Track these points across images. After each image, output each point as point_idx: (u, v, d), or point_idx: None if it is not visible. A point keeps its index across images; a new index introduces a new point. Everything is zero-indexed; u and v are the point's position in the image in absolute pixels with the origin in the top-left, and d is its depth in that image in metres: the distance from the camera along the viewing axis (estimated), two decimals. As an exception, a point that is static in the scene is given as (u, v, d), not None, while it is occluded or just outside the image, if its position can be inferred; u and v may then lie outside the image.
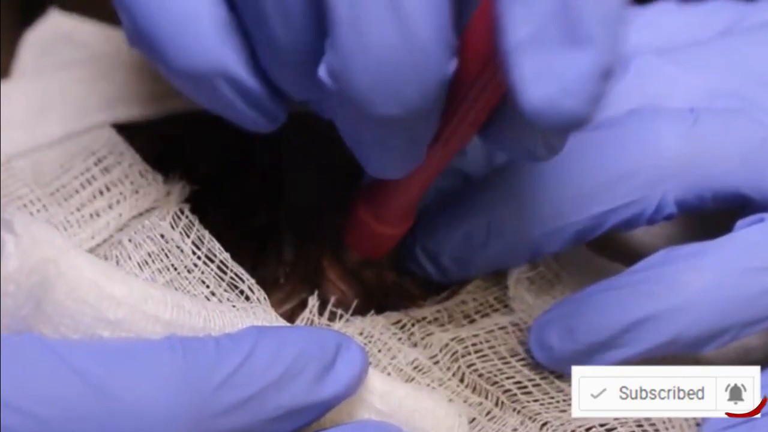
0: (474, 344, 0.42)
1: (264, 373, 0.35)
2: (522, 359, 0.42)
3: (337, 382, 0.36)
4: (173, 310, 0.36)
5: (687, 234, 0.48)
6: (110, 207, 0.43)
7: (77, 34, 0.50)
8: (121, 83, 0.48)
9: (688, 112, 0.43)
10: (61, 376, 0.32)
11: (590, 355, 0.41)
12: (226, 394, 0.34)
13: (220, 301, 0.40)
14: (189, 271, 0.41)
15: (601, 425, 0.41)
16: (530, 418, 0.41)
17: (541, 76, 0.30)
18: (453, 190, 0.44)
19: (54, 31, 0.49)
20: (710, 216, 0.45)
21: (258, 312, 0.38)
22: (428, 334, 0.42)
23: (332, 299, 0.42)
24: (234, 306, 0.39)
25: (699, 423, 0.42)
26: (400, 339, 0.42)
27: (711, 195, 0.42)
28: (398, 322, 0.42)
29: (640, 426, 0.41)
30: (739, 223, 0.42)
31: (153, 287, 0.35)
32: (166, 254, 0.41)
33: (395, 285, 0.44)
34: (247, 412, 0.34)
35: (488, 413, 0.41)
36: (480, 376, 0.42)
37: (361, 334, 0.41)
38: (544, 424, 0.41)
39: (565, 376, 0.42)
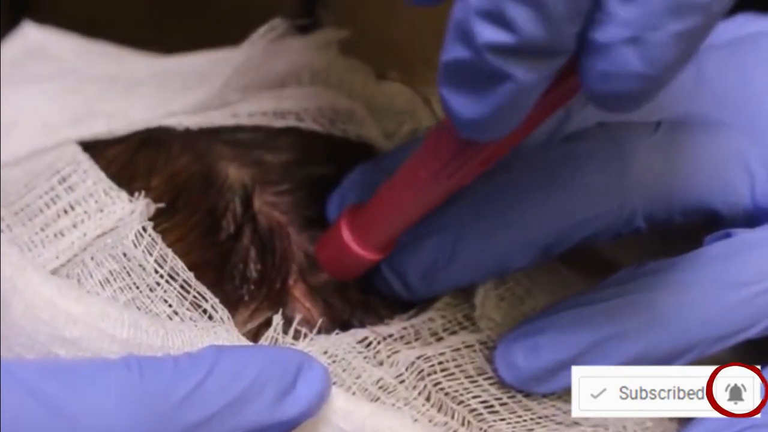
0: (440, 362, 0.42)
1: (223, 392, 0.35)
2: (489, 378, 0.43)
3: (299, 402, 0.37)
4: (130, 329, 0.36)
5: (664, 246, 0.48)
6: (74, 226, 0.43)
7: (49, 47, 0.51)
8: (88, 99, 0.48)
9: (655, 126, 0.43)
10: (16, 397, 0.33)
11: (556, 373, 0.41)
12: (184, 414, 0.34)
13: (182, 320, 0.40)
14: (151, 290, 0.41)
15: None
16: None
17: None
18: None
19: (27, 44, 0.50)
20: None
21: (219, 331, 0.39)
22: (394, 352, 0.42)
23: (297, 318, 0.42)
24: (196, 325, 0.39)
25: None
26: (365, 357, 0.42)
27: (679, 209, 0.43)
28: (364, 339, 0.42)
29: None
30: (707, 238, 0.43)
31: (110, 306, 0.36)
32: (128, 272, 0.41)
33: (361, 304, 0.45)
34: None
35: None
36: (446, 395, 0.42)
37: (325, 353, 0.41)
38: None
39: (532, 395, 0.43)
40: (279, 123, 0.48)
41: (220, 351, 0.36)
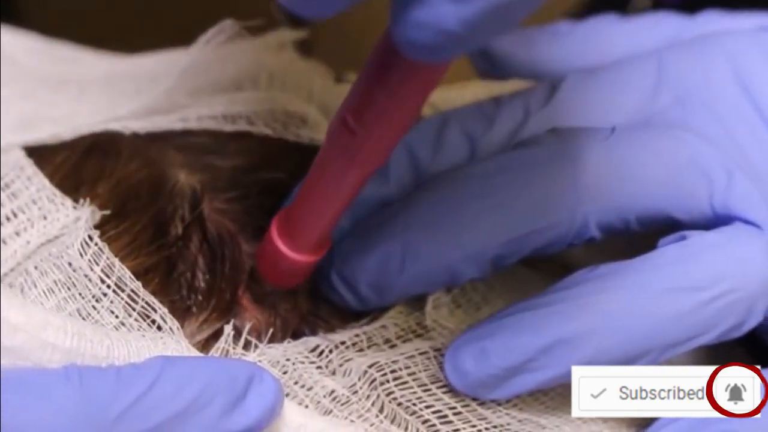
0: (393, 371, 0.43)
1: (167, 404, 0.35)
2: (443, 386, 0.43)
3: (248, 415, 0.37)
4: (73, 338, 0.36)
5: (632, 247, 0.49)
6: (17, 234, 0.43)
7: (5, 47, 0.50)
8: (36, 103, 0.48)
9: (609, 132, 0.43)
10: None
11: (506, 379, 0.41)
12: (126, 426, 0.34)
13: (129, 331, 0.40)
14: (97, 301, 0.41)
15: None
16: None
17: None
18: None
19: None
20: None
21: (168, 342, 0.39)
22: (346, 360, 0.43)
23: (247, 328, 0.42)
24: (143, 335, 0.39)
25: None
26: (318, 367, 0.42)
27: (635, 217, 0.43)
28: (315, 348, 0.42)
29: None
30: (661, 241, 0.43)
31: (52, 315, 0.36)
32: (73, 283, 0.41)
33: (312, 312, 0.45)
34: None
35: None
36: (399, 405, 0.42)
37: (277, 363, 0.41)
38: None
39: (487, 403, 0.43)
40: (229, 127, 0.48)
41: (166, 361, 0.36)
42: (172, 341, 0.39)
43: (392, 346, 0.44)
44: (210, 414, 0.36)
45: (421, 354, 0.43)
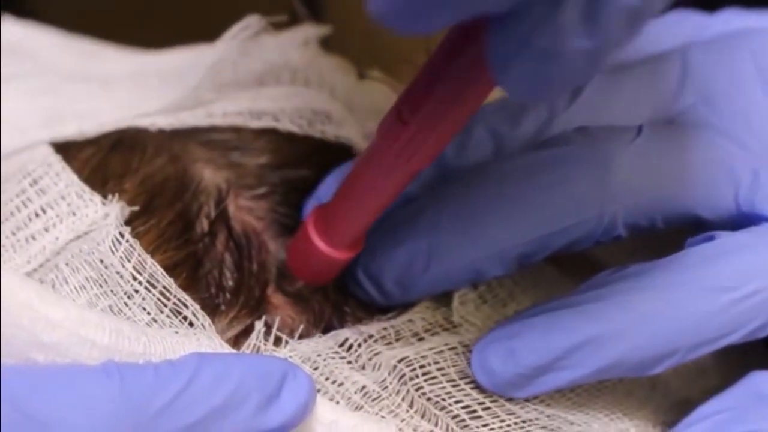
0: (422, 366, 0.43)
1: (204, 400, 0.35)
2: (471, 381, 0.43)
3: (283, 412, 0.37)
4: (111, 335, 0.36)
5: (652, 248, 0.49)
6: (46, 230, 0.44)
7: (28, 42, 0.51)
8: (61, 99, 0.49)
9: (637, 132, 0.44)
10: None
11: (534, 378, 0.42)
12: (165, 423, 0.35)
13: (162, 328, 0.40)
14: (129, 297, 0.41)
15: None
16: None
17: None
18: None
19: (6, 39, 0.50)
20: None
21: (202, 338, 0.39)
22: (375, 354, 0.43)
23: (276, 324, 0.43)
24: (177, 332, 0.40)
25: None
26: (348, 362, 0.43)
27: (662, 217, 0.43)
28: (345, 342, 0.43)
29: None
30: (689, 241, 0.43)
31: (90, 311, 0.36)
32: (105, 279, 0.41)
33: (340, 307, 0.45)
34: None
35: None
36: (428, 400, 0.43)
37: (308, 359, 0.42)
38: None
39: (516, 399, 0.43)
40: (255, 123, 0.48)
41: (202, 358, 0.36)
42: (205, 337, 0.39)
43: (420, 340, 0.44)
44: (245, 411, 0.36)
45: (450, 349, 0.44)
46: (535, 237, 0.43)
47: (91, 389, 0.34)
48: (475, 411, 0.43)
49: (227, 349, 0.40)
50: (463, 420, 0.42)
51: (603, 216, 0.43)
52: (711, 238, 0.43)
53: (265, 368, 0.37)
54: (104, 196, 0.44)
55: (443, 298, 0.46)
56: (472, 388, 0.43)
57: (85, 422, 0.33)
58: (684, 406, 0.45)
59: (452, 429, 0.42)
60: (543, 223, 0.43)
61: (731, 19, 0.50)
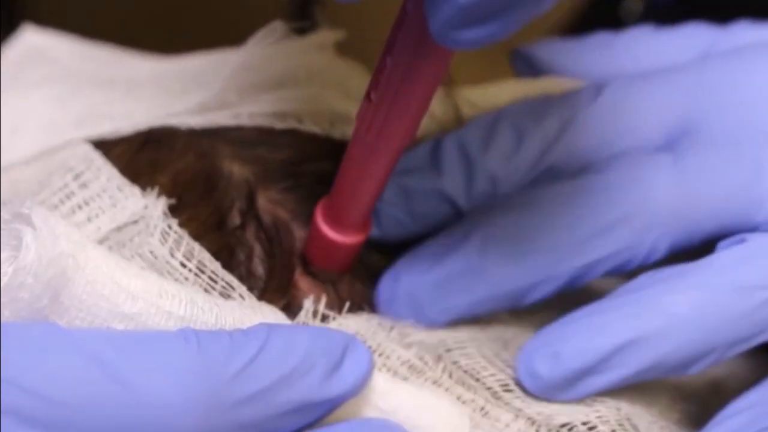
0: (457, 343, 0.45)
1: (276, 367, 0.37)
2: (503, 361, 0.46)
3: (345, 381, 0.39)
4: (187, 306, 0.38)
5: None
6: (89, 220, 0.46)
7: (49, 50, 0.53)
8: (90, 102, 0.51)
9: (672, 158, 0.45)
10: (77, 361, 0.35)
11: (578, 381, 0.44)
12: (239, 387, 0.36)
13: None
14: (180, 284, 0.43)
15: (583, 424, 0.44)
16: (517, 415, 0.44)
17: None
18: (435, 215, 0.47)
19: (27, 48, 0.52)
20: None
21: (265, 311, 0.41)
22: (408, 335, 0.45)
23: (324, 300, 0.45)
24: (241, 304, 0.42)
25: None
26: (392, 339, 0.45)
27: (700, 236, 0.45)
28: (381, 322, 0.45)
29: (621, 425, 0.45)
30: (721, 243, 0.45)
31: (167, 283, 0.38)
32: (157, 270, 0.43)
33: (366, 297, 0.47)
34: (258, 406, 0.37)
35: (481, 409, 0.44)
36: (465, 372, 0.45)
37: (356, 333, 0.44)
38: (532, 422, 0.44)
39: None
40: (279, 124, 0.50)
41: (271, 328, 0.38)
42: (269, 310, 0.42)
43: (449, 329, 0.47)
44: (312, 379, 0.38)
45: (479, 337, 0.46)
46: (580, 265, 0.45)
47: (171, 354, 0.36)
48: (507, 384, 0.45)
49: (288, 321, 0.42)
50: (496, 392, 0.45)
51: (646, 241, 0.45)
52: (742, 240, 0.45)
53: (328, 339, 0.39)
54: (143, 189, 0.46)
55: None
56: (505, 366, 0.45)
57: (167, 385, 0.35)
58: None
59: (488, 399, 0.44)
60: (589, 251, 0.45)
61: (743, 32, 0.52)
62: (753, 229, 0.46)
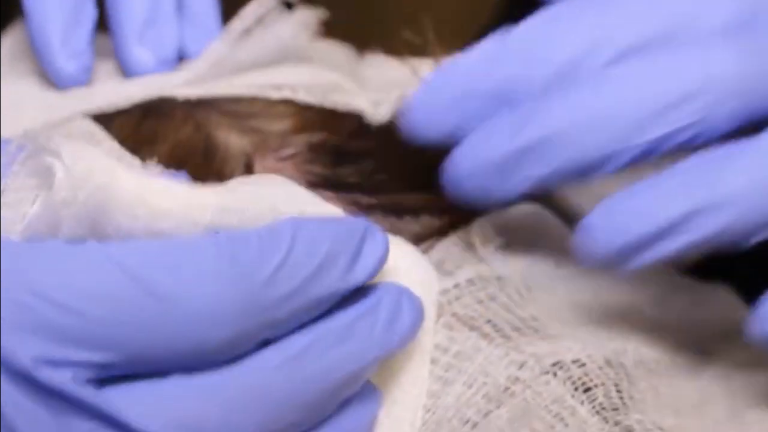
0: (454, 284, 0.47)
1: (305, 265, 0.39)
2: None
3: (366, 268, 0.40)
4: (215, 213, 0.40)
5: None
6: None
7: None
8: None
9: (734, 39, 0.45)
10: (107, 273, 0.36)
11: (640, 249, 0.43)
12: (272, 290, 0.38)
13: None
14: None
15: (573, 361, 0.46)
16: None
17: None
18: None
19: (24, 38, 0.53)
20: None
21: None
22: None
23: None
24: None
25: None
26: None
27: (763, 113, 0.44)
28: None
29: (608, 362, 0.46)
30: None
31: (194, 195, 0.40)
32: None
33: None
34: (287, 305, 0.38)
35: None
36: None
37: None
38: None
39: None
40: (275, 94, 0.52)
41: (297, 224, 0.39)
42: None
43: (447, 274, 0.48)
44: (337, 271, 0.39)
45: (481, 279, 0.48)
46: (650, 138, 0.44)
47: (203, 263, 0.37)
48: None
49: None
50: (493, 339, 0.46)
51: (716, 114, 0.44)
52: None
53: (349, 228, 0.40)
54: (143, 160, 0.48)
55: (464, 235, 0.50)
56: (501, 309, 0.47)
57: (201, 295, 0.36)
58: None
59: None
60: (659, 124, 0.44)
61: None
62: None
